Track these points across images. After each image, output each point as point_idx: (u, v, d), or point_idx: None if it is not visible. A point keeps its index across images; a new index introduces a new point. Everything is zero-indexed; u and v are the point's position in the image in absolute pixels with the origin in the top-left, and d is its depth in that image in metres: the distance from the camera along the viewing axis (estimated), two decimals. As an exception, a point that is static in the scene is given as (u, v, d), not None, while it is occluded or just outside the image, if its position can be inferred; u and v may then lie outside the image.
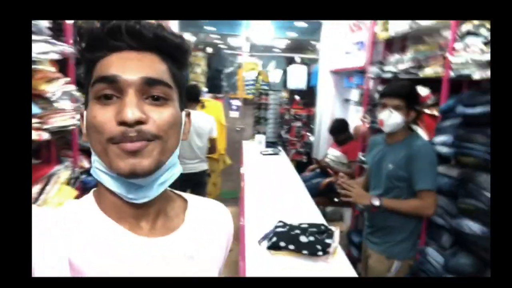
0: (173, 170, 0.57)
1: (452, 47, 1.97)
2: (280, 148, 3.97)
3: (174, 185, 0.60)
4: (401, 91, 1.69)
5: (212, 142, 3.25)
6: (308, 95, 5.35)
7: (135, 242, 0.53)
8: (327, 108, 4.51)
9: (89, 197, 0.56)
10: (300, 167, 4.32)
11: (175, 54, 0.55)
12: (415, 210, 1.69)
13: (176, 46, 0.55)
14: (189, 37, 5.79)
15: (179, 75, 0.56)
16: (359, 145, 3.35)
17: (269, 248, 1.55)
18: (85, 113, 0.53)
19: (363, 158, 3.44)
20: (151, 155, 0.50)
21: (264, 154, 3.63)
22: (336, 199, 2.82)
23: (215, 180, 4.36)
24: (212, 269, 0.63)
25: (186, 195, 0.66)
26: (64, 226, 0.50)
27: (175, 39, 0.54)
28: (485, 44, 1.74)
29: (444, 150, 1.90)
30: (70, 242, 0.49)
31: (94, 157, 0.53)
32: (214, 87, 5.58)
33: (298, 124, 4.39)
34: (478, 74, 1.73)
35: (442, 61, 2.11)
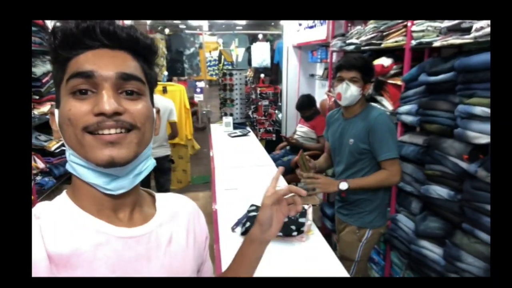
0: (147, 162, 0.59)
1: (412, 15, 1.96)
2: (248, 128, 3.91)
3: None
4: (356, 63, 1.67)
5: (173, 126, 3.16)
6: (274, 73, 5.29)
7: (116, 234, 0.55)
8: (293, 85, 4.48)
9: (63, 196, 0.56)
10: (269, 146, 4.30)
11: (146, 53, 0.58)
12: (382, 182, 1.70)
13: (147, 46, 0.57)
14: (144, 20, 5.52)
15: (150, 73, 0.59)
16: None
17: (243, 234, 1.51)
18: (56, 111, 0.54)
19: (302, 133, 3.48)
20: (129, 145, 0.52)
21: (232, 136, 3.56)
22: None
23: (184, 166, 4.26)
24: (190, 253, 0.66)
25: (151, 191, 0.69)
26: (42, 227, 0.50)
27: (146, 40, 0.57)
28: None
29: (409, 119, 1.92)
30: (50, 242, 0.49)
31: (69, 152, 0.54)
32: (176, 70, 5.37)
33: (265, 102, 4.33)
34: (438, 42, 1.73)
35: (403, 30, 2.11)
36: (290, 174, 3.39)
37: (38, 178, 1.90)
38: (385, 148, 1.66)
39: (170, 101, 3.17)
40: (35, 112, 1.92)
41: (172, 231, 0.63)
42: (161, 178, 3.22)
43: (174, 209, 0.67)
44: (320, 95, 4.09)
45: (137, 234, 0.57)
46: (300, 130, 3.70)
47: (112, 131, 0.50)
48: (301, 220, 1.54)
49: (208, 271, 0.75)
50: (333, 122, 1.91)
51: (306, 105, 3.61)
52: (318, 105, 3.78)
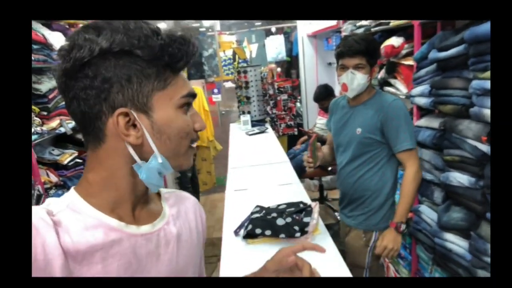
0: None
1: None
2: (267, 125, 3.84)
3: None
4: (359, 47, 1.46)
5: None
6: (295, 65, 5.16)
7: (128, 231, 0.56)
8: (311, 75, 4.34)
9: (73, 194, 0.56)
10: (291, 141, 4.20)
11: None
12: (416, 186, 1.52)
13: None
14: (160, 25, 5.59)
15: None
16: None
17: (245, 237, 1.45)
18: (144, 116, 0.55)
19: (322, 125, 3.31)
20: None
21: (250, 134, 3.50)
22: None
23: (208, 168, 4.27)
24: (196, 249, 0.70)
25: None
26: (57, 224, 0.50)
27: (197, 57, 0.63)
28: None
29: (422, 101, 1.76)
30: (66, 239, 0.50)
31: (155, 158, 0.56)
32: (197, 72, 5.40)
33: (284, 97, 4.22)
34: (447, 13, 1.56)
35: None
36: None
37: (52, 191, 1.95)
38: (403, 138, 1.48)
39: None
40: (44, 128, 1.97)
41: (179, 228, 0.65)
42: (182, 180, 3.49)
43: (179, 206, 0.69)
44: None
45: (147, 231, 0.59)
46: (320, 122, 3.57)
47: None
48: (306, 219, 1.45)
49: (202, 266, 0.77)
50: (337, 110, 1.74)
51: (323, 95, 3.48)
52: (338, 94, 3.62)
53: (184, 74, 0.60)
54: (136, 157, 0.55)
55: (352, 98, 1.60)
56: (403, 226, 1.50)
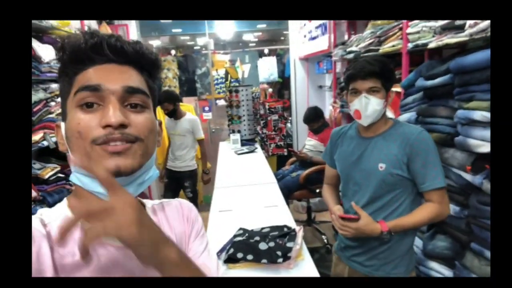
0: (150, 173, 0.61)
1: (407, 17, 1.84)
2: (256, 145, 3.83)
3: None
4: (373, 68, 1.27)
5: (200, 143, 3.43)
6: (286, 86, 5.21)
7: (116, 243, 0.53)
8: (302, 97, 4.38)
9: (63, 204, 0.57)
10: (281, 161, 4.19)
11: (150, 68, 0.61)
12: (433, 220, 1.29)
13: (152, 61, 0.60)
14: (154, 42, 5.63)
15: (153, 87, 0.62)
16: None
17: (226, 261, 1.41)
18: (62, 124, 0.56)
19: (311, 147, 3.27)
20: (134, 156, 0.54)
21: (239, 154, 3.48)
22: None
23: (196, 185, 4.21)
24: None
25: (140, 199, 0.69)
26: (50, 234, 0.51)
27: (151, 55, 0.60)
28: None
29: (409, 128, 1.77)
30: (56, 250, 0.50)
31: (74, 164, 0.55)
32: (189, 89, 5.41)
33: (275, 117, 4.23)
34: (434, 42, 1.60)
35: (399, 33, 1.98)
36: (299, 190, 3.26)
37: (37, 208, 1.89)
38: (433, 174, 1.26)
39: (193, 118, 3.30)
40: (26, 141, 1.92)
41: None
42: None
43: (159, 214, 0.68)
44: (330, 106, 3.96)
45: None
46: (309, 144, 3.57)
47: (118, 143, 0.52)
48: (289, 244, 1.42)
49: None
50: (343, 141, 1.47)
51: (313, 117, 3.49)
52: (327, 116, 3.65)
53: (99, 69, 0.55)
54: (72, 164, 0.56)
55: (366, 127, 1.35)
56: (386, 236, 1.28)
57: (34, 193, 1.95)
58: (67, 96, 0.55)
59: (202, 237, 0.73)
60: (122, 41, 0.56)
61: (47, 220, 0.52)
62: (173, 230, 0.68)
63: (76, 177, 0.56)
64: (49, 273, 0.47)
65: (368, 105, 1.29)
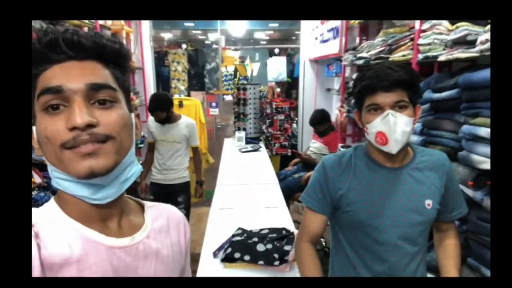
0: (133, 169, 0.59)
1: (420, 29, 1.83)
2: (261, 144, 3.84)
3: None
4: (399, 76, 0.96)
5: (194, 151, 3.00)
6: (295, 86, 5.21)
7: (106, 243, 0.55)
8: (310, 99, 4.38)
9: (52, 204, 0.56)
10: (284, 161, 4.20)
11: (115, 59, 0.57)
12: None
13: (116, 51, 0.56)
14: (166, 34, 5.65)
15: (122, 79, 0.58)
16: (340, 136, 3.24)
17: (223, 260, 1.43)
18: (34, 128, 0.53)
19: (315, 149, 3.25)
20: (107, 155, 0.52)
21: (243, 152, 3.50)
22: None
23: (199, 180, 4.23)
24: (175, 265, 0.67)
25: (140, 201, 0.69)
26: (36, 235, 0.50)
27: (114, 45, 0.56)
28: (452, 23, 1.61)
29: (414, 139, 1.77)
30: (44, 250, 0.49)
31: (50, 168, 0.54)
32: (198, 83, 5.43)
33: (281, 117, 4.24)
34: (444, 56, 1.59)
35: (411, 44, 1.98)
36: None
37: (34, 193, 1.92)
38: (461, 201, 1.13)
39: (191, 122, 2.84)
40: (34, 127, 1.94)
41: (160, 243, 0.64)
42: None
43: (162, 220, 0.67)
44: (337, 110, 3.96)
45: (126, 244, 0.58)
46: (313, 146, 3.58)
47: (89, 144, 0.50)
48: (287, 247, 1.43)
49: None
50: (351, 178, 1.09)
51: (319, 120, 3.50)
52: (333, 119, 3.65)
53: (59, 68, 0.51)
54: (49, 169, 0.54)
55: (392, 155, 1.03)
56: None
57: (39, 179, 1.98)
58: (33, 100, 0.52)
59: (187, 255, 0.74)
60: (80, 35, 0.52)
61: (34, 220, 0.51)
62: (175, 242, 0.69)
63: (56, 182, 0.55)
64: (36, 272, 0.46)
65: (396, 126, 0.97)
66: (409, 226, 1.04)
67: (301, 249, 1.15)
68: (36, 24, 1.61)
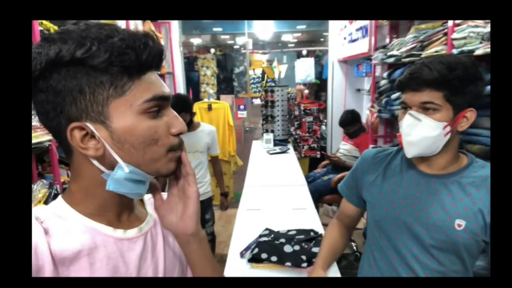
0: None
1: (454, 22, 1.75)
2: (289, 146, 3.81)
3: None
4: (430, 75, 0.87)
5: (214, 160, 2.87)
6: (323, 88, 5.14)
7: (115, 235, 0.57)
8: (339, 100, 4.31)
9: (60, 201, 0.57)
10: (313, 163, 4.14)
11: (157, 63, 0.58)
12: None
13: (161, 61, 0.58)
14: (195, 40, 5.76)
15: None
16: (371, 137, 3.15)
17: (250, 260, 1.42)
18: (91, 125, 0.51)
19: (345, 151, 3.13)
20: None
21: (271, 153, 3.49)
22: None
23: (227, 182, 4.27)
24: (180, 254, 0.69)
25: None
26: (46, 231, 0.51)
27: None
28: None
29: (449, 138, 1.69)
30: (55, 246, 0.50)
31: (120, 169, 0.53)
32: (227, 87, 5.50)
33: (309, 119, 4.20)
34: (481, 49, 1.51)
35: (444, 39, 1.89)
36: (329, 194, 3.20)
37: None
38: None
39: (212, 129, 2.69)
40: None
41: (166, 230, 0.66)
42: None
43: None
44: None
45: (135, 235, 0.60)
46: (343, 148, 3.51)
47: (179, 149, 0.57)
48: (315, 249, 1.40)
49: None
50: (384, 174, 1.05)
51: (349, 121, 3.43)
52: (364, 121, 3.56)
53: (153, 76, 0.54)
54: (102, 168, 0.53)
55: (427, 161, 0.97)
56: None
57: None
58: (108, 96, 0.50)
59: None
60: (161, 49, 0.55)
61: (43, 218, 0.52)
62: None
63: (118, 183, 0.53)
64: (48, 268, 0.47)
65: (413, 129, 0.90)
66: (428, 240, 0.93)
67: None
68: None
